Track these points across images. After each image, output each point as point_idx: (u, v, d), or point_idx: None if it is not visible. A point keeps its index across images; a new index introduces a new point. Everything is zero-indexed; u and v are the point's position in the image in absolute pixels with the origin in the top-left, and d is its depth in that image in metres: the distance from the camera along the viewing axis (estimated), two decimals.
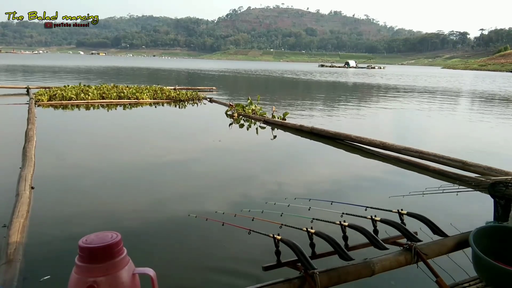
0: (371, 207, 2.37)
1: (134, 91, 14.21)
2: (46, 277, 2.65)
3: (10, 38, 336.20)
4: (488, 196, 2.81)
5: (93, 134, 8.10)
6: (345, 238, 1.92)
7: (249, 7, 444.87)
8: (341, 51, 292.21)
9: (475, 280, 2.02)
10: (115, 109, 12.21)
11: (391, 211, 2.28)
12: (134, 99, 13.40)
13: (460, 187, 3.69)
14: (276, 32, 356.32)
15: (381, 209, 2.29)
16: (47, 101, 12.11)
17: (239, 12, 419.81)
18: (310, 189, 4.87)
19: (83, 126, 9.20)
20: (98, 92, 13.50)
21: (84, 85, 14.86)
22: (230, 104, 11.70)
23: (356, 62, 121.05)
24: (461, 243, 2.19)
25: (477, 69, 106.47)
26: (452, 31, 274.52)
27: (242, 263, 2.96)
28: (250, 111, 10.72)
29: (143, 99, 13.53)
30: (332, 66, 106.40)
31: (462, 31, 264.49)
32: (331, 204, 2.62)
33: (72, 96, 12.63)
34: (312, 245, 1.78)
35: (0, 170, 5.24)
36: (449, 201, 4.06)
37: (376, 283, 2.39)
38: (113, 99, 13.18)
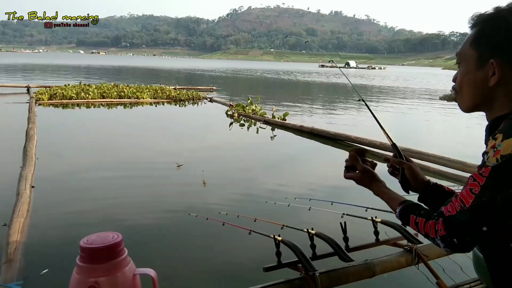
0: (371, 208, 2.37)
1: (134, 90, 14.21)
2: (45, 271, 2.67)
3: (10, 37, 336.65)
4: None
5: (93, 134, 8.11)
6: (345, 239, 1.92)
7: (250, 6, 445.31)
8: (341, 51, 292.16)
9: (475, 281, 2.01)
10: (116, 108, 12.21)
11: (391, 212, 2.27)
12: (134, 99, 13.41)
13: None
14: (277, 32, 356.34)
15: (382, 210, 2.28)
16: (48, 100, 12.11)
17: (239, 11, 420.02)
18: (310, 189, 4.87)
19: (84, 125, 9.20)
20: (99, 91, 13.50)
21: (85, 84, 14.86)
22: (231, 104, 11.71)
23: (356, 62, 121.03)
24: None
25: None
26: (453, 31, 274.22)
27: (243, 264, 2.96)
28: (250, 111, 10.72)
29: (143, 98, 13.52)
30: (333, 67, 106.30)
31: (462, 32, 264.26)
32: (331, 204, 2.62)
33: (73, 95, 12.63)
34: (313, 246, 1.78)
35: (0, 169, 5.25)
36: None
37: (377, 284, 2.39)
38: (114, 99, 13.18)
